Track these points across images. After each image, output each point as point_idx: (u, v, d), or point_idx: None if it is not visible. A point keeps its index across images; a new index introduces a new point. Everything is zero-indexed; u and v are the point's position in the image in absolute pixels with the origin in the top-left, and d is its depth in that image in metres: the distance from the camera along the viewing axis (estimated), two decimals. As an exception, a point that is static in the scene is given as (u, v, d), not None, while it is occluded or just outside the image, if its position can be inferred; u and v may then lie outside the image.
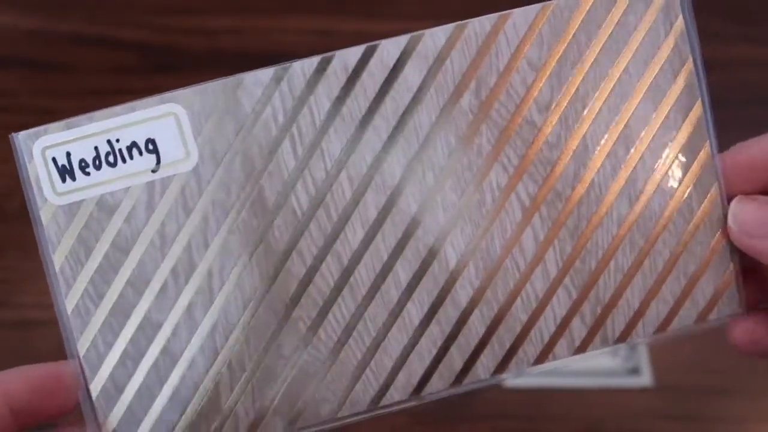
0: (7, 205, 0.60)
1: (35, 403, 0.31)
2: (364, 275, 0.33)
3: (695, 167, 0.33)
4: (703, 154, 0.33)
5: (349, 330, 0.33)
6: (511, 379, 0.34)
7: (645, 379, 0.56)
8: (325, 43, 0.62)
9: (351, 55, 0.32)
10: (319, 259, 0.33)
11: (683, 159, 0.33)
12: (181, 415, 0.33)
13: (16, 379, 0.31)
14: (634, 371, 0.57)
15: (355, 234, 0.33)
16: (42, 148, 0.32)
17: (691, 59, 0.33)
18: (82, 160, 0.32)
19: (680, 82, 0.33)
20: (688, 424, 0.55)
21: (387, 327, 0.33)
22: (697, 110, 0.33)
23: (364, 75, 0.32)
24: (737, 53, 0.62)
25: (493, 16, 0.32)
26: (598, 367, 0.57)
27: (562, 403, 0.56)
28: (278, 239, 0.33)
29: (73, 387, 0.32)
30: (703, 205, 0.33)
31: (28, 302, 0.60)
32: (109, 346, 0.32)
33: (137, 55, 0.65)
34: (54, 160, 0.32)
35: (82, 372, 0.32)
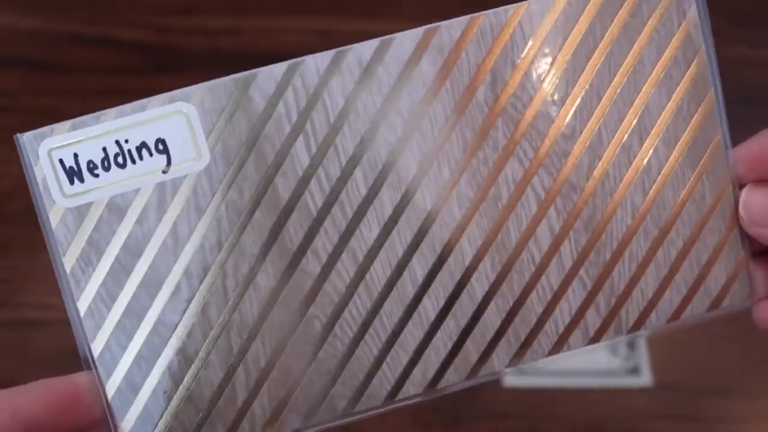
0: (7, 206, 0.59)
1: (50, 420, 0.31)
2: (379, 271, 0.33)
3: (708, 156, 0.33)
4: (715, 144, 0.33)
5: (365, 326, 0.33)
6: (525, 370, 0.34)
7: (645, 379, 0.57)
8: (325, 43, 0.61)
9: (366, 49, 0.31)
10: (335, 256, 0.32)
11: (696, 148, 0.33)
12: (198, 415, 0.32)
13: (29, 396, 0.30)
14: (634, 371, 0.57)
15: (370, 230, 0.32)
16: (48, 149, 0.31)
17: (703, 48, 0.33)
18: (90, 162, 0.31)
19: (693, 71, 0.33)
20: (688, 424, 0.56)
21: (403, 322, 0.33)
22: (709, 100, 0.33)
23: (380, 69, 0.31)
24: (736, 54, 0.62)
25: (508, 8, 0.32)
26: (598, 367, 0.57)
27: (562, 403, 0.57)
28: (293, 237, 0.32)
29: (90, 402, 0.32)
30: (715, 194, 0.33)
31: (29, 302, 0.59)
32: (123, 348, 0.32)
33: (137, 55, 0.65)
34: (61, 161, 0.31)
35: (97, 373, 0.32)
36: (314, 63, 0.31)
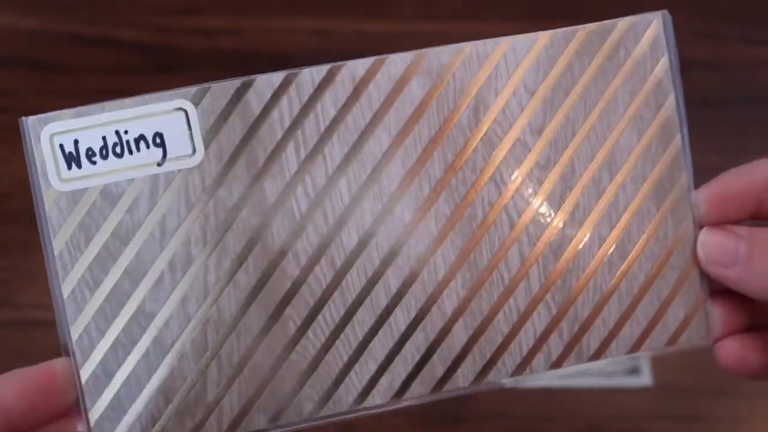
0: (7, 205, 0.60)
1: (30, 407, 0.31)
2: (355, 279, 0.34)
3: (673, 196, 0.35)
4: (680, 184, 0.35)
5: (337, 332, 0.34)
6: (487, 390, 0.35)
7: (645, 379, 0.58)
8: (325, 43, 0.62)
9: (359, 66, 0.33)
10: (313, 261, 0.34)
11: (662, 187, 0.35)
12: (168, 406, 0.33)
13: (7, 385, 0.31)
14: (634, 371, 0.58)
15: (350, 238, 0.34)
16: (50, 134, 0.32)
17: (673, 94, 0.35)
18: (89, 149, 0.33)
19: (662, 114, 0.35)
20: (688, 424, 0.56)
21: (374, 331, 0.34)
22: (676, 142, 0.35)
23: (371, 86, 0.33)
24: (737, 53, 0.63)
25: (495, 41, 0.34)
26: (598, 367, 0.58)
27: (561, 403, 0.57)
28: (275, 239, 0.34)
29: (65, 386, 0.32)
30: (677, 233, 0.35)
31: (29, 302, 0.60)
32: (102, 333, 0.33)
33: (137, 55, 0.66)
34: (61, 146, 0.32)
35: (74, 357, 0.33)
36: (310, 74, 0.33)
